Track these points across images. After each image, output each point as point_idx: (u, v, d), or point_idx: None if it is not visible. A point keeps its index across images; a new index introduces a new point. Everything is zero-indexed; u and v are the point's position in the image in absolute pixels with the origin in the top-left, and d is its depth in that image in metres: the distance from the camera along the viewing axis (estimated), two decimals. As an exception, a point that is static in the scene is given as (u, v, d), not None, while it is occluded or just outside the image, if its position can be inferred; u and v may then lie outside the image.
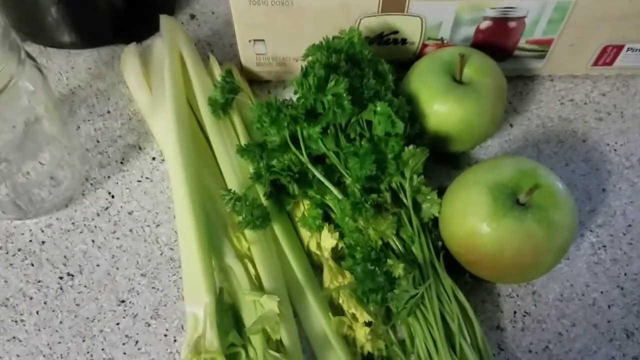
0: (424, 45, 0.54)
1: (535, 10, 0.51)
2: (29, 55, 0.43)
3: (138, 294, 0.47)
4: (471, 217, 0.42)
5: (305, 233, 0.48)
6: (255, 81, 0.58)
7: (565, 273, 0.48)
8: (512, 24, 0.52)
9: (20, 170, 0.47)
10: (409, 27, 0.52)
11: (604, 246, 0.50)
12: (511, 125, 0.57)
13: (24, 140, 0.46)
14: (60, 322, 0.46)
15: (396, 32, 0.53)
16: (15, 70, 0.41)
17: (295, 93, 0.47)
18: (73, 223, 0.50)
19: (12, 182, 0.47)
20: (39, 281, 0.47)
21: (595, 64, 0.57)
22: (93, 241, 0.49)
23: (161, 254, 0.49)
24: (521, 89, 0.59)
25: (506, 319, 0.46)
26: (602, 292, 0.47)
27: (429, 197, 0.46)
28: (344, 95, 0.45)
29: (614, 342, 0.45)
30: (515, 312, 0.46)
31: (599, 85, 0.59)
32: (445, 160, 0.52)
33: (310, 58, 0.49)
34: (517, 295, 0.47)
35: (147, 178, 0.53)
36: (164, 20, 0.56)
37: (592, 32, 0.54)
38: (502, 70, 0.50)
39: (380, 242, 0.44)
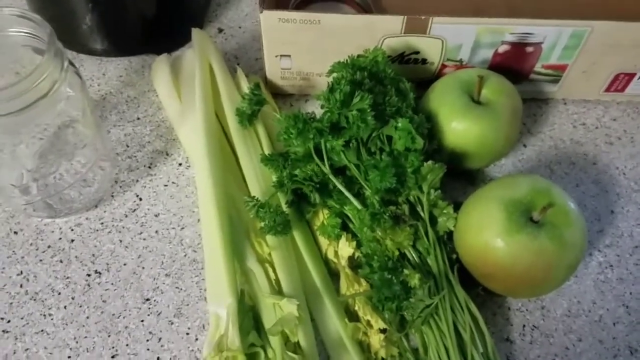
0: (443, 66, 0.56)
1: (552, 37, 0.53)
2: (70, 62, 0.45)
3: (162, 293, 0.48)
4: (486, 232, 0.44)
5: (323, 241, 0.49)
6: (278, 94, 0.60)
7: (573, 290, 0.50)
8: (529, 49, 0.54)
9: (55, 172, 0.49)
10: (430, 48, 0.54)
11: (611, 266, 0.51)
12: (525, 146, 0.58)
13: (59, 142, 0.48)
14: (87, 317, 0.47)
15: (417, 52, 0.55)
16: (59, 76, 0.43)
17: (321, 107, 0.49)
18: (102, 223, 0.52)
19: (45, 182, 0.49)
20: (67, 277, 0.49)
21: (608, 90, 0.59)
22: (120, 241, 0.51)
23: (185, 256, 0.50)
24: (535, 111, 0.61)
25: (515, 332, 0.47)
26: (608, 310, 0.49)
27: (445, 211, 0.47)
28: (368, 110, 0.46)
29: (618, 357, 0.47)
30: (524, 326, 0.48)
31: (611, 110, 0.61)
32: (461, 177, 0.54)
33: (335, 74, 0.51)
34: (527, 310, 0.48)
35: (173, 182, 0.55)
36: (195, 33, 0.58)
37: (606, 59, 0.55)
38: (518, 93, 0.52)
39: (397, 253, 0.46)
